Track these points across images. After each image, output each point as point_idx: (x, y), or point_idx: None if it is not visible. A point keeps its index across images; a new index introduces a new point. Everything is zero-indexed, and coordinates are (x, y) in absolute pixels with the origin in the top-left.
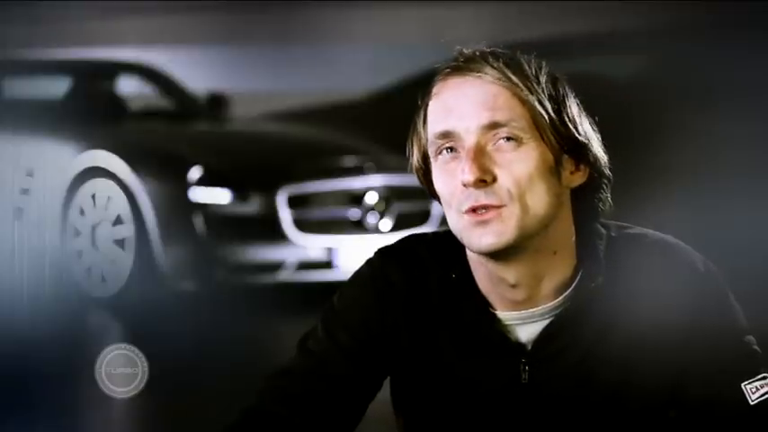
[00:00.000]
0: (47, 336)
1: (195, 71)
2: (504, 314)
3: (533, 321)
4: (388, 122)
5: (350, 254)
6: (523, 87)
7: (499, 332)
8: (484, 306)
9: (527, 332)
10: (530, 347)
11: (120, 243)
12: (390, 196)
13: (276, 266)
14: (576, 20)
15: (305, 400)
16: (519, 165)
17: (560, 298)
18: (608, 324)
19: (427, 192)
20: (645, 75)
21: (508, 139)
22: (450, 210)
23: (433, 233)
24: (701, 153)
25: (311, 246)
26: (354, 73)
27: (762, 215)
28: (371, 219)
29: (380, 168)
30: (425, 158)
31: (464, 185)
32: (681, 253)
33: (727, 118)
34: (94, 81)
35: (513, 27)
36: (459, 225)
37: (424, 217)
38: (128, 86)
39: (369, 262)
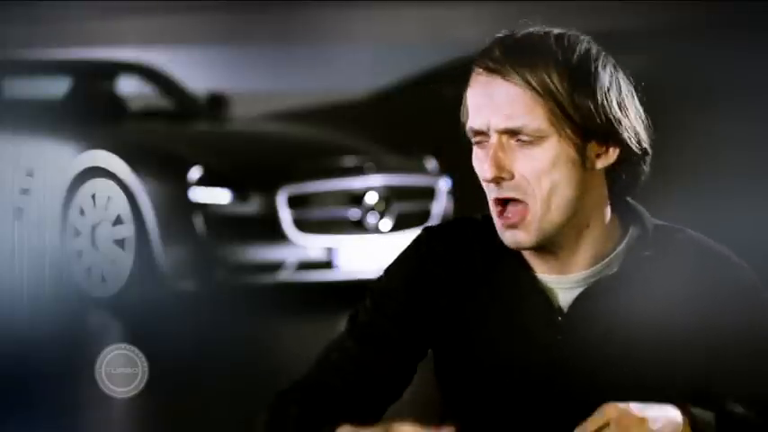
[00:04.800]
0: (47, 336)
1: (195, 71)
2: (543, 276)
3: (570, 287)
4: (388, 122)
5: (350, 254)
6: (542, 91)
7: (538, 291)
8: (525, 267)
9: (564, 296)
10: (566, 310)
11: (120, 243)
12: (390, 196)
13: (276, 266)
14: (576, 20)
15: (356, 369)
16: (535, 162)
17: (598, 265)
18: (644, 299)
19: None
20: (645, 75)
21: (525, 140)
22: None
23: (483, 215)
24: (701, 153)
25: (311, 246)
26: (354, 73)
27: (762, 215)
28: (371, 219)
29: (380, 168)
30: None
31: (484, 181)
32: (719, 249)
33: (727, 118)
34: (94, 81)
35: (513, 27)
36: (492, 210)
37: (424, 217)
38: (128, 86)
39: (416, 238)
